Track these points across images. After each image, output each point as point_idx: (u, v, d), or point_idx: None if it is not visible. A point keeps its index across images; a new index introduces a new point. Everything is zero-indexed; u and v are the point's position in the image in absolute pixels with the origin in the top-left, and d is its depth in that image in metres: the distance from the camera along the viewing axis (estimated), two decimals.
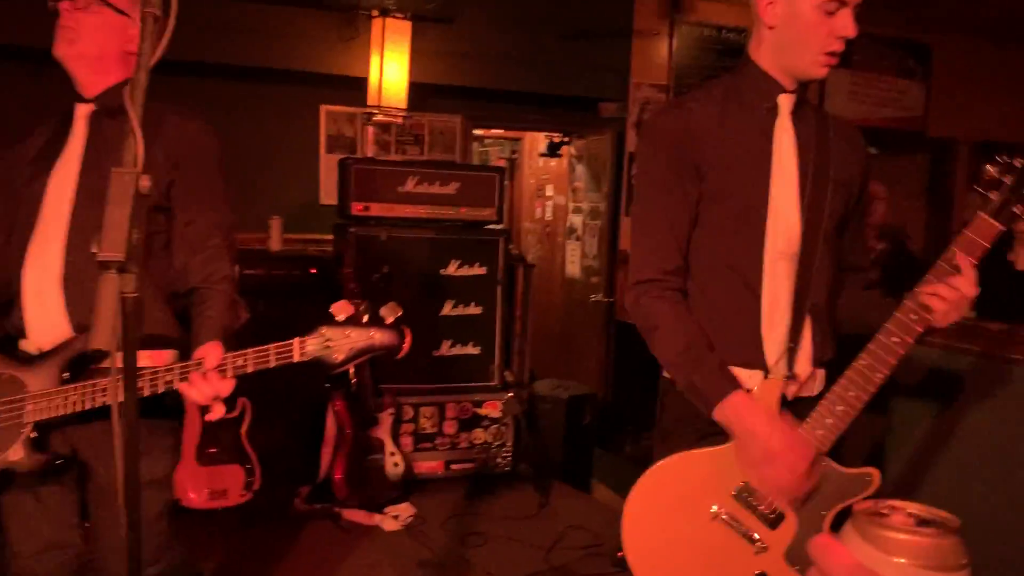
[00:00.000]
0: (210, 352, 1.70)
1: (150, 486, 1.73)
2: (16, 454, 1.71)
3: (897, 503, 0.51)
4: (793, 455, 1.57)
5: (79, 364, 1.72)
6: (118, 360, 1.02)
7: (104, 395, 1.67)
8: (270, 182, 4.81)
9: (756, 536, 1.62)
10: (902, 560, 0.47)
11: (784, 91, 1.71)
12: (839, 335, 1.83)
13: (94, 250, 0.97)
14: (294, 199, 4.88)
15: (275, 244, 4.54)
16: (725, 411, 1.60)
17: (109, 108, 1.79)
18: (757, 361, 1.69)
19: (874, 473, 1.63)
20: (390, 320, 1.75)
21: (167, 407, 1.82)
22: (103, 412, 1.60)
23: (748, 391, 1.65)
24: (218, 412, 1.75)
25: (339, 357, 1.71)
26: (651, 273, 1.70)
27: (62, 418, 1.70)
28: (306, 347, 1.71)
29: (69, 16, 1.78)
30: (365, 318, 1.72)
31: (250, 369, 1.71)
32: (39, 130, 1.89)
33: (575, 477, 4.55)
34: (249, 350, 1.72)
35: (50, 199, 1.78)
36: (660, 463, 1.68)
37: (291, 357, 1.71)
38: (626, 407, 5.49)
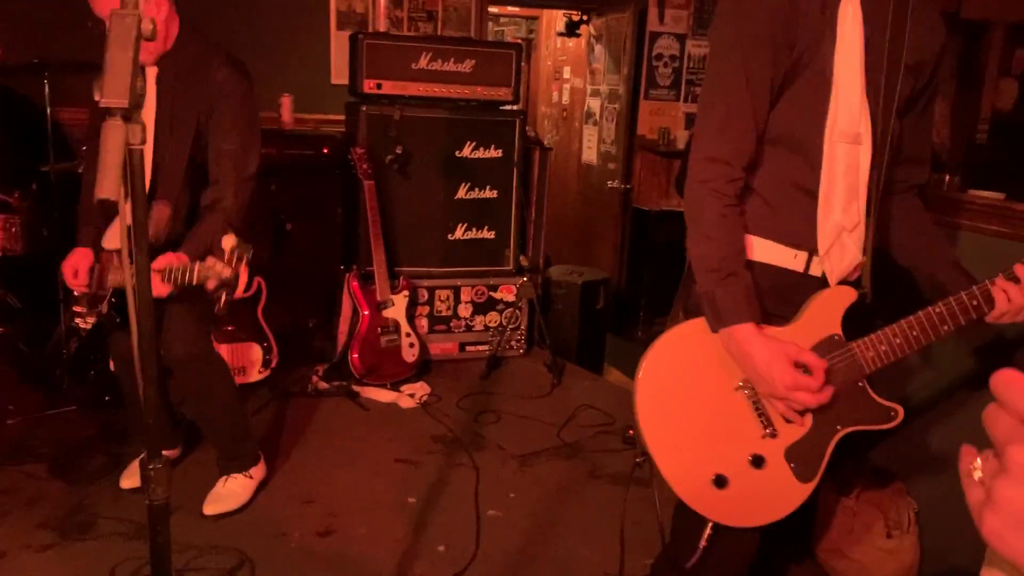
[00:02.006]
0: (159, 258, 2.20)
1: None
2: (105, 308, 2.47)
3: None
4: (800, 385, 1.55)
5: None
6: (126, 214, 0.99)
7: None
8: (279, 59, 4.68)
9: (771, 420, 1.63)
10: None
11: None
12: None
13: (96, 97, 0.94)
14: (304, 77, 4.77)
15: (287, 122, 4.46)
16: (732, 335, 1.58)
17: (170, 70, 2.41)
18: (808, 244, 1.65)
19: (899, 410, 1.64)
20: (228, 248, 1.99)
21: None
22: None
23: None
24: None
25: (211, 285, 2.04)
26: (724, 155, 1.59)
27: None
28: (196, 272, 2.08)
29: None
30: (240, 255, 1.98)
31: (169, 280, 2.12)
32: None
33: (588, 360, 4.60)
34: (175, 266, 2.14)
35: None
36: (695, 321, 1.66)
37: (192, 279, 2.09)
38: (640, 293, 5.50)
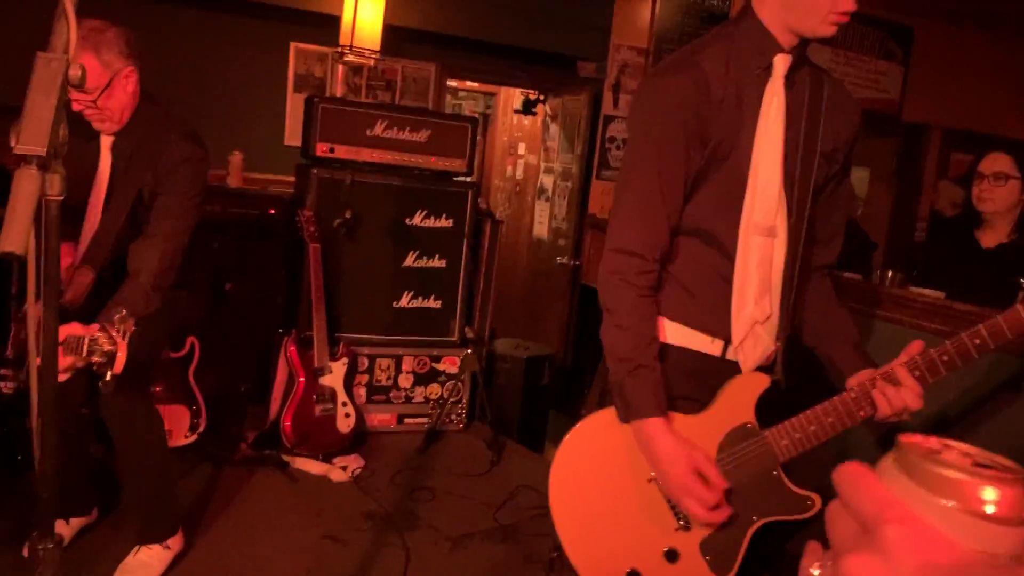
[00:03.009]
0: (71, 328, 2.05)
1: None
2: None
3: (951, 441, 0.43)
4: (693, 494, 1.54)
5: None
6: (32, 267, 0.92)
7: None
8: (233, 117, 4.64)
9: (682, 513, 1.62)
10: (951, 503, 0.39)
11: (782, 51, 1.60)
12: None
13: (12, 142, 0.87)
14: (257, 137, 4.72)
15: (234, 180, 4.39)
16: (642, 429, 1.57)
17: (126, 141, 2.44)
18: (719, 331, 1.65)
19: (816, 499, 1.62)
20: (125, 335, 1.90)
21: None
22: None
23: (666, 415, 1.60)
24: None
25: (96, 359, 1.86)
26: (636, 247, 1.60)
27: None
28: (86, 345, 1.91)
29: (94, 109, 2.36)
30: (120, 330, 1.88)
31: (68, 353, 2.00)
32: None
33: (529, 438, 4.51)
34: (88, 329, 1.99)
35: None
36: (609, 411, 1.64)
37: (83, 351, 1.92)
38: (584, 370, 5.46)
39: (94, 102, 2.34)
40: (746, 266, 1.62)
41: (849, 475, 0.45)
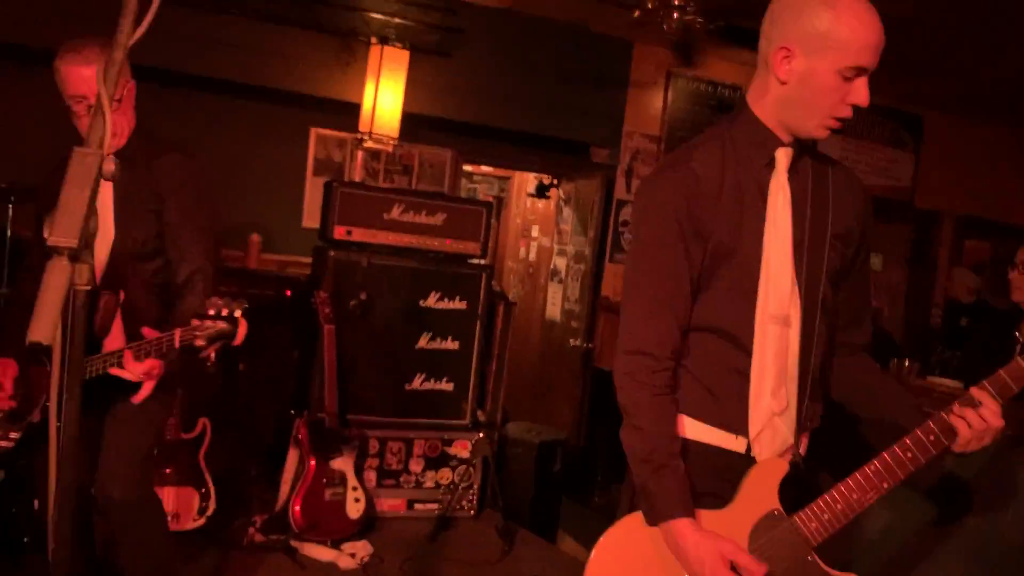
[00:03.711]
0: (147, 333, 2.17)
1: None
2: (36, 416, 2.30)
3: None
4: None
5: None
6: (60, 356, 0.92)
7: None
8: (254, 200, 4.72)
9: None
10: None
11: (782, 144, 1.63)
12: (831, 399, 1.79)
13: (45, 234, 0.89)
14: (276, 219, 4.79)
15: (252, 262, 4.44)
16: (669, 530, 1.55)
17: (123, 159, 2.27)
18: (740, 428, 1.63)
19: None
20: (237, 313, 2.16)
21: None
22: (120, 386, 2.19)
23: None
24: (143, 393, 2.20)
25: (199, 343, 2.13)
26: (647, 347, 1.60)
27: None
28: (174, 337, 2.14)
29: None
30: (225, 311, 2.14)
31: (153, 353, 2.15)
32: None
33: (541, 525, 4.41)
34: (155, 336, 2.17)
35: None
36: (638, 515, 1.60)
37: (173, 343, 2.14)
38: (598, 456, 5.38)
39: (119, 101, 2.29)
40: (763, 357, 1.61)
41: None
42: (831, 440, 1.78)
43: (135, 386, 2.22)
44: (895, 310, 5.87)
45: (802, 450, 1.70)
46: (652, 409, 1.58)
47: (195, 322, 2.13)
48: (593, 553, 1.61)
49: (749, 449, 1.64)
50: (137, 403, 2.24)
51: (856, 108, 1.58)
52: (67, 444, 0.96)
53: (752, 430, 1.62)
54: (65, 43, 2.25)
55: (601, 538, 1.62)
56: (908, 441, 1.58)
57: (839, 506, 1.57)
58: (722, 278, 1.62)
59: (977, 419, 1.56)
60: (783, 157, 1.62)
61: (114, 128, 2.25)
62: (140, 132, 2.41)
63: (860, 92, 1.54)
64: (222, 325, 2.13)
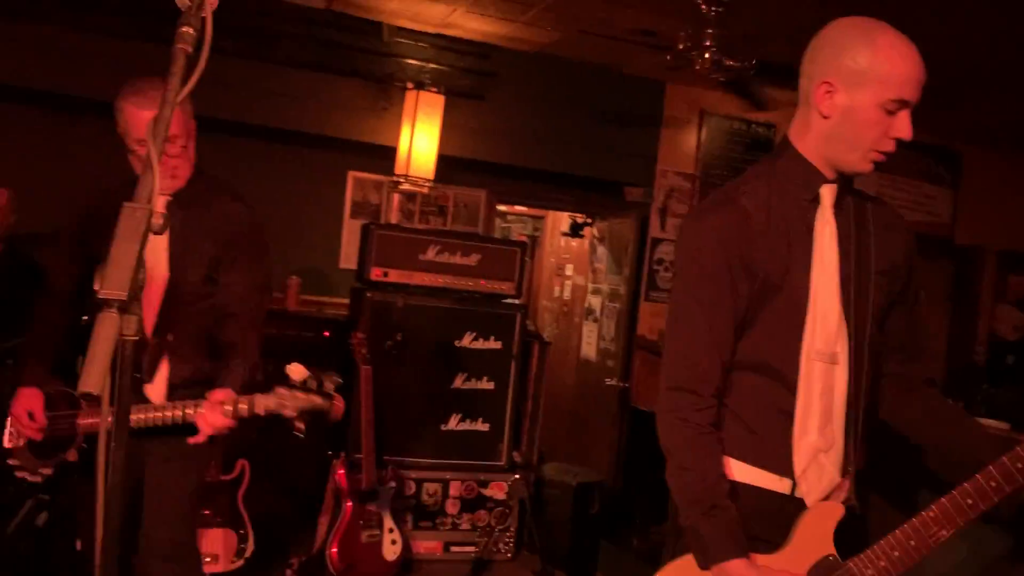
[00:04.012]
0: (225, 392, 2.13)
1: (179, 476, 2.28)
2: (71, 456, 2.27)
3: None
4: None
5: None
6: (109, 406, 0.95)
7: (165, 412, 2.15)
8: (292, 242, 4.80)
9: None
10: None
11: (826, 181, 1.63)
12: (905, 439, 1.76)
13: (96, 286, 0.92)
14: (314, 261, 4.87)
15: (291, 304, 4.50)
16: (725, 572, 1.51)
17: (183, 199, 2.29)
18: (784, 468, 1.61)
19: None
20: (329, 388, 2.17)
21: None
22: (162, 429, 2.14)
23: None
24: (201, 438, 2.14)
25: (288, 413, 2.11)
26: (691, 384, 1.60)
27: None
28: (256, 403, 2.12)
29: (178, 158, 2.25)
30: (314, 384, 2.13)
31: (233, 414, 2.11)
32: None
33: (579, 569, 4.35)
34: (241, 397, 2.14)
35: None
36: (680, 562, 1.59)
37: (254, 409, 2.11)
38: (636, 498, 5.31)
39: (184, 147, 2.25)
40: (809, 394, 1.59)
41: None
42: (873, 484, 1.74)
43: (185, 428, 2.17)
44: (937, 348, 5.76)
45: (844, 494, 1.66)
46: (698, 448, 1.57)
47: (281, 391, 2.09)
48: None
49: (794, 489, 1.62)
50: (188, 444, 2.18)
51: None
52: (113, 490, 0.98)
53: (797, 468, 1.60)
54: (128, 82, 2.20)
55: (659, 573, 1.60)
56: (993, 470, 1.52)
57: (896, 553, 1.53)
58: (768, 315, 1.61)
59: None
60: (828, 193, 1.63)
61: (175, 171, 2.24)
62: (200, 174, 2.36)
63: (903, 125, 1.55)
64: (316, 399, 2.11)
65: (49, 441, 2.27)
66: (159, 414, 2.15)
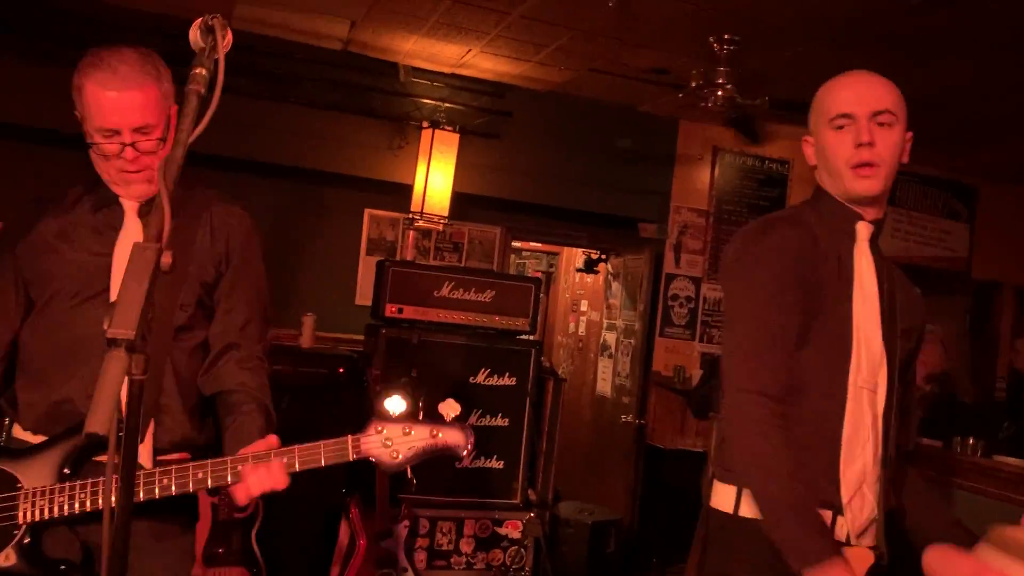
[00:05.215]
0: (271, 443, 1.62)
1: None
2: (7, 559, 1.55)
3: None
4: None
5: (82, 457, 1.58)
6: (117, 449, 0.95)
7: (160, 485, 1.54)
8: (308, 279, 4.84)
9: None
10: None
11: (861, 219, 1.71)
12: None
13: (104, 326, 0.93)
14: (330, 297, 4.89)
15: (306, 341, 4.52)
16: (823, 571, 1.46)
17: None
18: (833, 499, 1.60)
19: None
20: (451, 417, 1.63)
21: (178, 503, 1.63)
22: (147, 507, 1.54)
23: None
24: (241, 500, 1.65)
25: (399, 457, 1.58)
26: (762, 385, 1.57)
27: (70, 516, 1.55)
28: (361, 445, 1.58)
29: (151, 156, 1.67)
30: (421, 414, 1.62)
31: (298, 467, 1.60)
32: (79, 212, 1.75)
33: None
34: (296, 447, 1.60)
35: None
36: None
37: (345, 455, 1.59)
38: (653, 536, 5.24)
39: (161, 139, 1.66)
40: (857, 421, 1.60)
41: (939, 555, 0.49)
42: None
43: (171, 506, 1.61)
44: (963, 385, 5.68)
45: (871, 537, 1.65)
46: (782, 451, 1.53)
47: (378, 426, 1.59)
48: None
49: (834, 523, 1.60)
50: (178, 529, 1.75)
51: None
52: (118, 543, 0.97)
53: (844, 495, 1.60)
54: (90, 54, 1.64)
55: None
56: None
57: None
58: (816, 338, 1.62)
59: None
60: (863, 229, 1.71)
61: (151, 173, 1.64)
62: (182, 177, 1.69)
63: (859, 133, 1.64)
64: (456, 434, 1.60)
65: None
66: (184, 478, 1.56)
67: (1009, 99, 4.33)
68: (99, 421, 0.88)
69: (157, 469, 1.57)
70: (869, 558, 1.59)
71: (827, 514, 1.59)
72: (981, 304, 6.03)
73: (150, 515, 1.58)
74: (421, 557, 3.98)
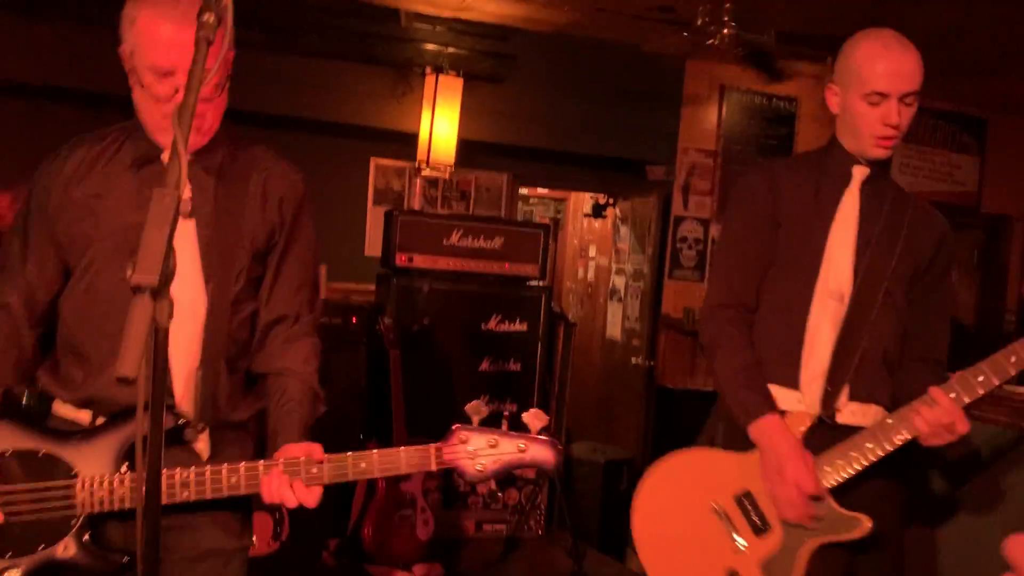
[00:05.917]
0: (313, 452, 1.58)
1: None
2: (68, 550, 1.44)
3: None
4: (803, 479, 1.75)
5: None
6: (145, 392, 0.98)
7: (185, 490, 1.46)
8: (318, 230, 4.86)
9: (739, 537, 1.85)
10: None
11: (860, 163, 1.90)
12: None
13: (128, 273, 0.95)
14: (339, 249, 4.92)
15: (320, 293, 4.55)
16: (760, 426, 1.81)
17: (211, 166, 1.64)
18: (792, 381, 1.89)
19: (864, 520, 1.78)
20: (538, 428, 1.51)
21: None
22: (184, 505, 1.48)
23: (781, 412, 1.85)
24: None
25: (484, 471, 1.49)
26: (728, 299, 1.96)
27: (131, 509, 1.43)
28: (444, 455, 1.51)
29: (209, 103, 1.56)
30: (505, 425, 1.52)
31: (376, 474, 1.60)
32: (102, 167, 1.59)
33: (610, 544, 4.40)
34: (375, 451, 1.57)
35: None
36: (681, 452, 1.98)
37: (428, 464, 1.53)
38: None
39: (220, 86, 1.56)
40: (819, 319, 1.88)
41: (1021, 543, 0.53)
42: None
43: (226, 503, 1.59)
44: (964, 319, 5.70)
45: (870, 419, 1.85)
46: (739, 337, 1.91)
47: (462, 435, 1.50)
48: (643, 485, 1.99)
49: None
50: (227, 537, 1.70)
51: (918, 114, 1.86)
52: (151, 491, 1.01)
53: (803, 382, 1.88)
54: None
55: (661, 459, 1.99)
56: (983, 365, 1.75)
57: (852, 453, 1.79)
58: (791, 261, 1.92)
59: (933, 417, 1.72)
60: (858, 173, 1.91)
61: (201, 121, 1.53)
62: (225, 128, 1.69)
63: (888, 113, 1.80)
64: (545, 451, 1.47)
65: (18, 529, 1.46)
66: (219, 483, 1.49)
67: (1010, 28, 4.26)
68: (128, 365, 0.91)
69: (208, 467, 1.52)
70: (806, 420, 1.84)
71: (791, 394, 1.87)
72: (991, 238, 6.01)
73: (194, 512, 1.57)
74: (438, 498, 4.07)
